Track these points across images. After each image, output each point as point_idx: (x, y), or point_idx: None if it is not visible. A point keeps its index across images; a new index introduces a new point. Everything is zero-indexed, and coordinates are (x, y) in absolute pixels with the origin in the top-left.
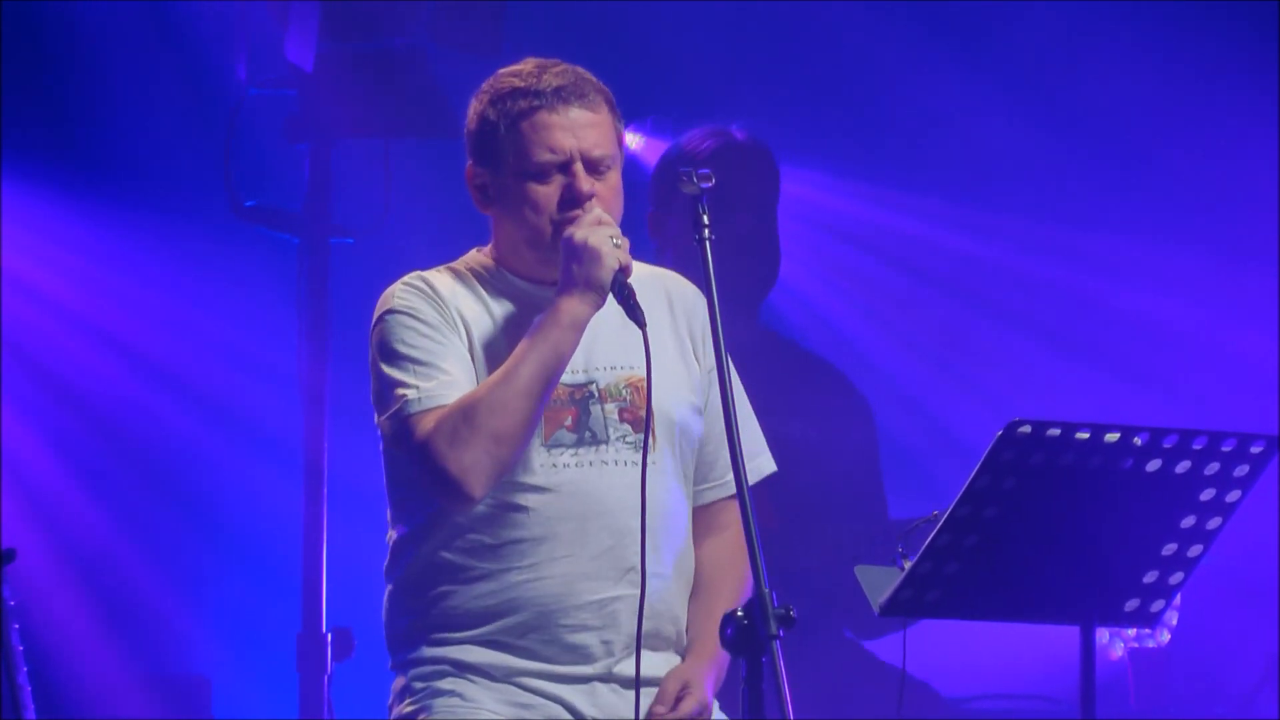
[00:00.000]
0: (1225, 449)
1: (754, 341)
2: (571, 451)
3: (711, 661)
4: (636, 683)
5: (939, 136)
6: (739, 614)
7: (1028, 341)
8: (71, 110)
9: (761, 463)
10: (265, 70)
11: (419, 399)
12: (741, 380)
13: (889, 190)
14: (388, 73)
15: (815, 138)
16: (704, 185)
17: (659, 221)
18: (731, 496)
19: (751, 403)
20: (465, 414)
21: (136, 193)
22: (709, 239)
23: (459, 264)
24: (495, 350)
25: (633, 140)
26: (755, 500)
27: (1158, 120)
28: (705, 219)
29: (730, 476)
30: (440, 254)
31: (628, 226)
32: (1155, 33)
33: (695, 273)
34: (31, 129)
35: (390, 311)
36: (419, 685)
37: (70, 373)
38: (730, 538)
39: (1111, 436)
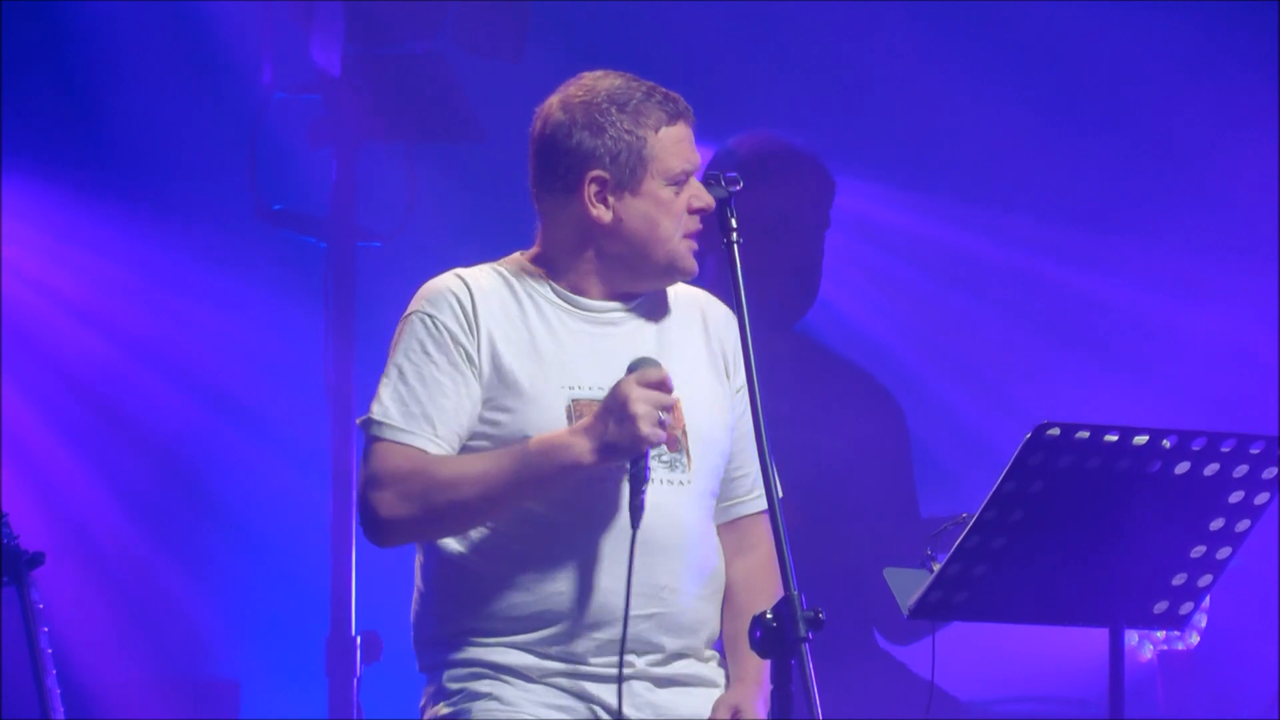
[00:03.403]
0: (1253, 451)
1: (784, 348)
2: (606, 467)
3: (758, 686)
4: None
5: (955, 139)
6: (768, 616)
7: (1053, 344)
8: (97, 115)
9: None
10: (290, 75)
11: (382, 425)
12: (771, 388)
13: (913, 194)
14: (411, 77)
15: (837, 140)
16: (732, 189)
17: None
18: (756, 513)
19: (782, 409)
20: (419, 474)
21: (163, 197)
22: (737, 242)
23: (504, 266)
24: (518, 360)
25: None
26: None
27: (1173, 119)
28: (733, 222)
29: (755, 494)
30: (464, 257)
31: None
32: (1156, 33)
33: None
34: (56, 134)
35: (416, 313)
36: (454, 687)
37: (96, 378)
38: (762, 557)
39: (1140, 439)
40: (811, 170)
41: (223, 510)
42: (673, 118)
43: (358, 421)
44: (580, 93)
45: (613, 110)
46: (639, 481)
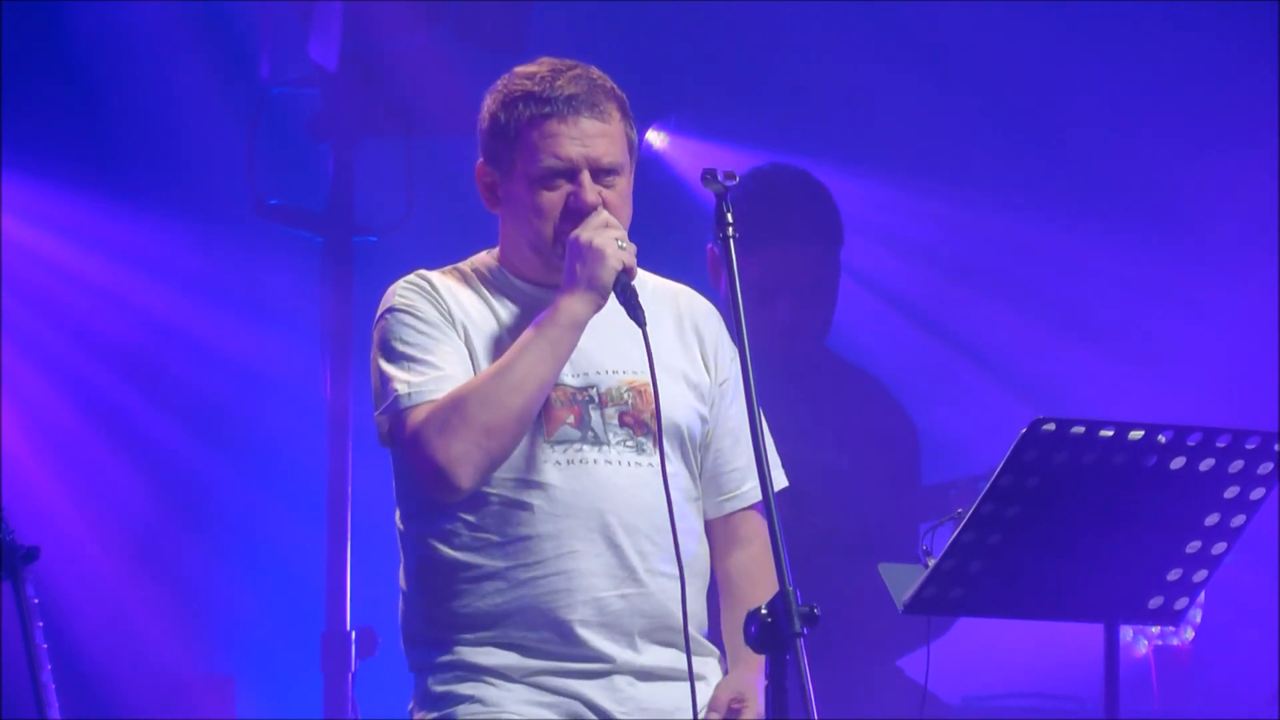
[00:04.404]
0: (1249, 446)
1: (790, 348)
2: (576, 448)
3: (760, 671)
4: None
5: (956, 137)
6: (763, 612)
7: (1062, 339)
8: (94, 110)
9: (775, 477)
10: (288, 69)
11: (409, 394)
12: (772, 389)
13: (916, 187)
14: (410, 71)
15: (839, 135)
16: (728, 184)
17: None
18: (747, 508)
19: (787, 416)
20: (456, 405)
21: (160, 191)
22: (733, 237)
23: (465, 264)
24: (495, 350)
25: (658, 138)
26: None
27: (1164, 123)
28: (729, 217)
29: (746, 488)
30: (462, 251)
31: (649, 227)
32: (1157, 35)
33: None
34: (54, 128)
35: (390, 310)
36: (439, 690)
37: (93, 373)
38: (757, 550)
39: (1135, 434)
40: (818, 198)
41: (218, 505)
42: (544, 115)
43: (378, 415)
44: (500, 81)
45: (499, 102)
46: (631, 296)
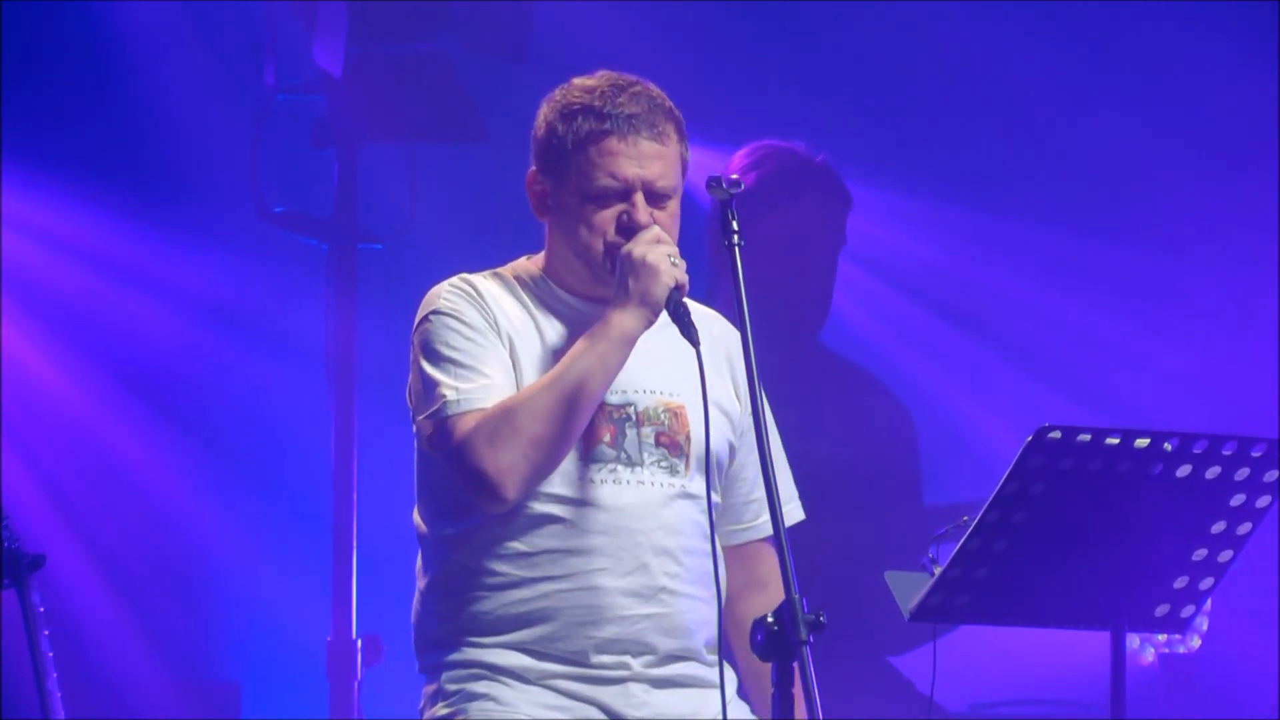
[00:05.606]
0: (1255, 454)
1: (794, 351)
2: (610, 468)
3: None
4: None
5: (964, 143)
6: (769, 619)
7: (1062, 343)
8: (98, 116)
9: (792, 509)
10: (292, 75)
11: (458, 400)
12: (780, 396)
13: (915, 189)
14: (414, 77)
15: (843, 145)
16: (732, 191)
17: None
18: (762, 539)
19: (788, 418)
20: (506, 416)
21: (164, 199)
22: (738, 245)
23: (506, 270)
24: (535, 360)
25: None
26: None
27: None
28: (734, 224)
29: (763, 519)
30: (466, 258)
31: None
32: (1154, 35)
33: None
34: (57, 135)
35: (435, 312)
36: (452, 688)
37: (98, 377)
38: (774, 596)
39: (1141, 442)
40: (826, 183)
41: (224, 512)
42: (604, 132)
43: (422, 419)
44: (558, 92)
45: (556, 113)
46: (684, 314)
